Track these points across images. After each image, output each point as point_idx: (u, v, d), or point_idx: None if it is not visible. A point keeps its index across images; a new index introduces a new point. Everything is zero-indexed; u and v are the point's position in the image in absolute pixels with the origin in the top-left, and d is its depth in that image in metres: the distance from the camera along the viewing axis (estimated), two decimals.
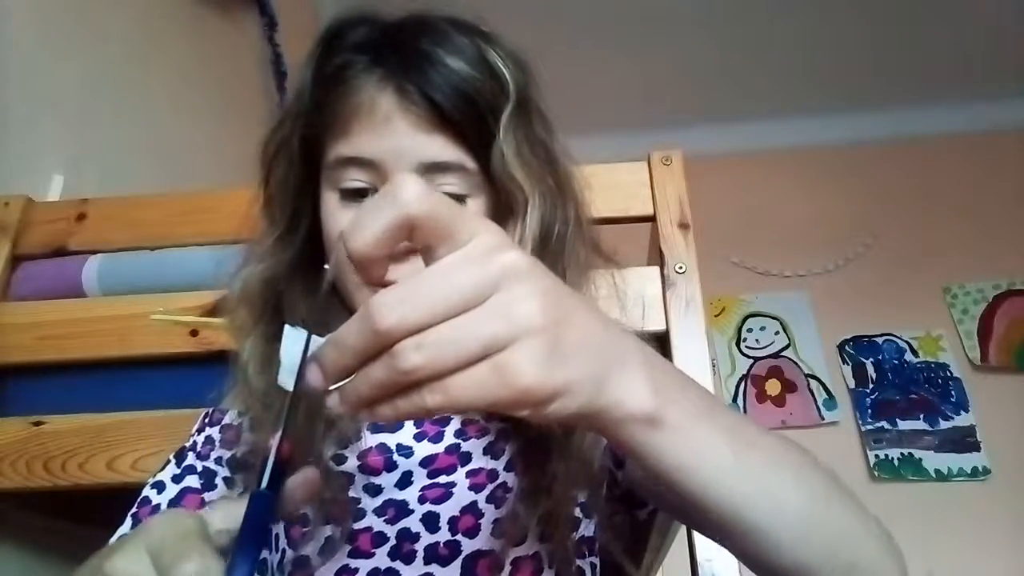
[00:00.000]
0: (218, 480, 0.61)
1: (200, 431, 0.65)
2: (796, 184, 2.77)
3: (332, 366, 0.30)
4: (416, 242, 0.31)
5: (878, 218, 2.68)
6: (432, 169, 0.56)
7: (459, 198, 0.57)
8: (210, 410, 0.66)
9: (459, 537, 0.54)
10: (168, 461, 0.63)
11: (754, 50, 2.56)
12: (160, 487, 0.60)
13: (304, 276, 0.61)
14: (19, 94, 1.13)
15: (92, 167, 1.28)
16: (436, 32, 0.57)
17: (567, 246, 0.61)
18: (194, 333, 0.90)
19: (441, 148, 0.56)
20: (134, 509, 0.59)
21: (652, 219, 0.93)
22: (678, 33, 2.50)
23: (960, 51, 2.54)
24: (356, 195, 0.57)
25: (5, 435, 0.89)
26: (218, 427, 0.64)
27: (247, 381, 0.58)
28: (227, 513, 0.34)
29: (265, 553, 0.59)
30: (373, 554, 0.53)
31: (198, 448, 0.63)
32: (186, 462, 0.62)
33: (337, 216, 0.57)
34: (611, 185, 0.93)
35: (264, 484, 0.32)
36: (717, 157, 2.63)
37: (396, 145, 0.55)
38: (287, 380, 0.32)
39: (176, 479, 0.61)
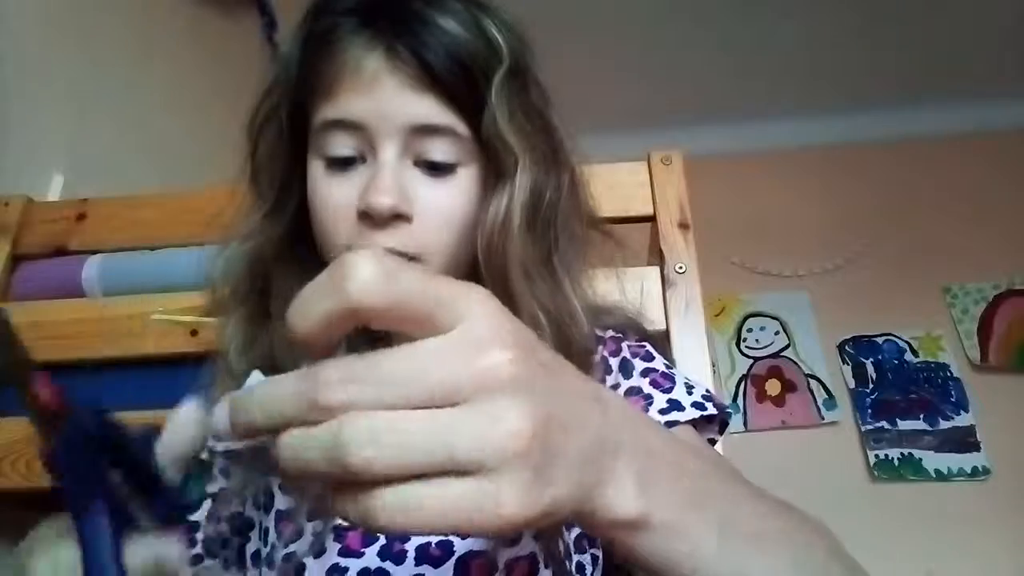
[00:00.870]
0: (214, 471, 0.61)
1: None
2: (796, 184, 2.77)
3: (244, 424, 0.25)
4: (377, 326, 0.26)
5: (878, 218, 2.68)
6: (421, 132, 0.54)
7: (449, 166, 0.55)
8: None
9: (451, 537, 0.52)
10: None
11: (754, 50, 2.56)
12: None
13: (292, 255, 0.59)
14: (19, 94, 1.13)
15: (92, 167, 1.28)
16: None
17: (560, 214, 0.59)
18: (194, 333, 0.90)
19: (430, 110, 0.53)
20: None
21: (652, 219, 0.94)
22: (678, 33, 2.50)
23: (960, 51, 2.54)
24: (343, 164, 0.55)
25: (5, 435, 0.89)
26: None
27: (228, 365, 0.57)
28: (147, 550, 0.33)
29: (259, 545, 0.58)
30: (363, 553, 0.52)
31: None
32: None
33: (322, 185, 0.55)
34: (611, 185, 0.93)
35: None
36: (717, 157, 2.63)
37: (383, 106, 0.53)
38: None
39: None
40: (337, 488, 0.24)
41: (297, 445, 0.24)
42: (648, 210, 0.93)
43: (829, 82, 2.68)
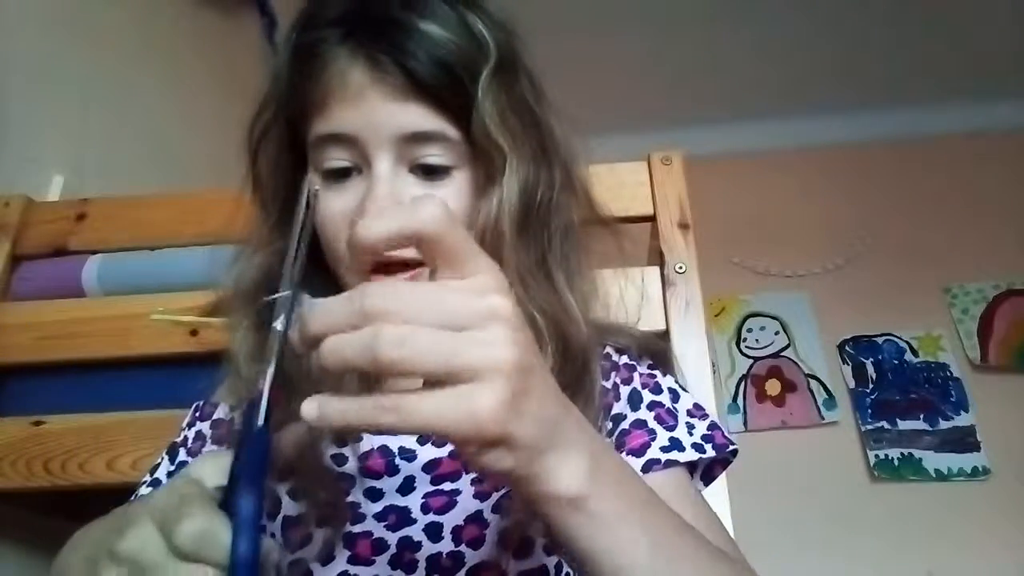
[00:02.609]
0: None
1: (191, 425, 0.64)
2: (796, 184, 2.77)
3: (316, 325, 0.31)
4: (423, 256, 0.33)
5: (878, 218, 2.67)
6: (412, 140, 0.54)
7: (444, 169, 0.55)
8: (200, 403, 0.65)
9: (463, 548, 0.52)
10: (162, 457, 0.62)
11: (754, 50, 2.56)
12: (156, 485, 0.60)
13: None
14: (19, 94, 1.13)
15: (92, 167, 1.28)
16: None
17: (553, 211, 0.59)
18: (194, 333, 0.90)
19: (419, 117, 0.54)
20: None
21: (652, 219, 0.94)
22: (678, 33, 2.49)
23: (961, 51, 2.53)
24: (339, 175, 0.55)
25: (5, 435, 0.89)
26: (208, 422, 0.63)
27: (239, 372, 0.58)
28: (216, 468, 0.34)
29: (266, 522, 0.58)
30: (373, 561, 0.52)
31: (189, 444, 0.62)
32: (179, 458, 0.62)
33: (321, 197, 0.56)
34: (611, 185, 0.93)
35: (260, 421, 0.34)
36: (717, 157, 2.63)
37: (371, 118, 0.53)
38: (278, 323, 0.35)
39: (171, 476, 0.60)
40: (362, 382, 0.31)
41: (339, 343, 0.30)
42: (648, 210, 0.93)
43: (829, 82, 2.68)
